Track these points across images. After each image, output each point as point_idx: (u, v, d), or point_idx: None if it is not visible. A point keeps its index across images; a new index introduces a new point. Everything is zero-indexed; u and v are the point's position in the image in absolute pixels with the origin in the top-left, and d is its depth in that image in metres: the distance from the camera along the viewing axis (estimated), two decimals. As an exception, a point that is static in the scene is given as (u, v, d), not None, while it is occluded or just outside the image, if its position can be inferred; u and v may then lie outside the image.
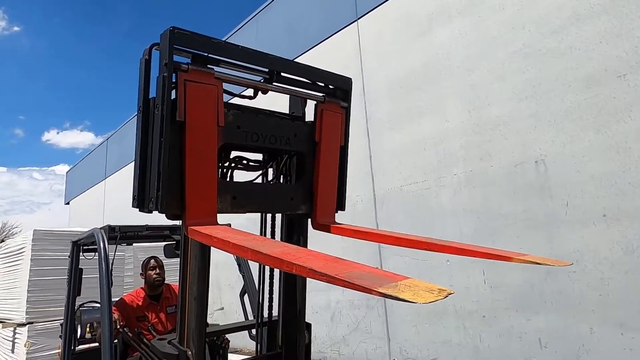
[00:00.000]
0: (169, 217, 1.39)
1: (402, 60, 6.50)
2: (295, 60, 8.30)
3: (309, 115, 1.78)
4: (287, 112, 1.80)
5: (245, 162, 1.69)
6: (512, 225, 5.00)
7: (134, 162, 1.44)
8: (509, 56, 5.23)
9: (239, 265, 3.21)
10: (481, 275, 5.19)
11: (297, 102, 1.78)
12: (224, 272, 9.06)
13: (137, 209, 1.40)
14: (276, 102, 1.82)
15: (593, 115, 4.48)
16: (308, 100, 1.75)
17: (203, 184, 1.36)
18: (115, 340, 2.67)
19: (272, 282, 1.83)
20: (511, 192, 5.05)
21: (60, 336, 3.16)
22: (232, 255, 3.22)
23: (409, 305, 5.87)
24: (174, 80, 1.33)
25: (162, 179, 1.31)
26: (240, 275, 3.16)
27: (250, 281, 3.04)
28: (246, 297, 3.04)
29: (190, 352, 1.47)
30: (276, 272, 1.83)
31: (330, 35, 7.81)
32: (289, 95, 1.77)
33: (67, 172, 21.86)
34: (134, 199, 1.40)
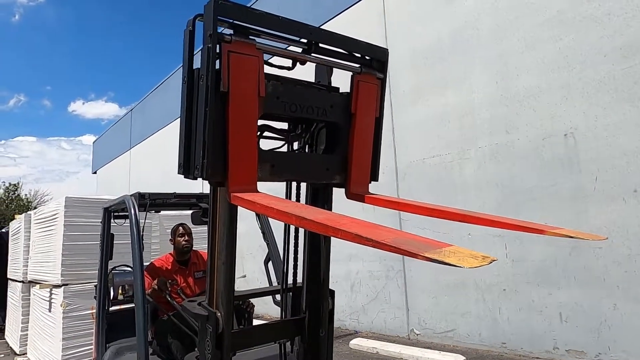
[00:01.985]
0: (211, 184, 1.44)
1: (427, 29, 6.30)
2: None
3: (336, 84, 1.77)
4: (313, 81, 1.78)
5: (270, 130, 1.70)
6: (537, 199, 4.92)
7: (179, 131, 1.47)
8: (541, 24, 5.01)
9: (263, 233, 3.27)
10: (503, 249, 5.16)
11: (323, 71, 1.77)
12: (245, 241, 9.26)
13: (183, 176, 1.44)
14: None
15: (629, 87, 4.29)
16: (342, 72, 1.73)
17: (245, 152, 1.40)
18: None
19: (297, 250, 1.85)
20: (538, 166, 4.94)
21: (95, 297, 3.33)
22: (256, 224, 3.29)
23: (428, 277, 5.92)
24: (217, 52, 1.34)
25: (207, 147, 1.34)
26: (262, 245, 3.23)
27: (274, 249, 3.11)
28: (270, 264, 3.12)
29: (219, 314, 1.53)
30: (300, 239, 1.86)
31: (354, 3, 7.60)
32: (314, 65, 1.74)
33: (93, 143, 22.44)
34: (179, 166, 1.43)
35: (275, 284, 2.84)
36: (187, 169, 1.41)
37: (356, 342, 5.96)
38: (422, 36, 6.36)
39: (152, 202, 2.93)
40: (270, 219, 3.20)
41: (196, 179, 1.41)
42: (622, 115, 4.32)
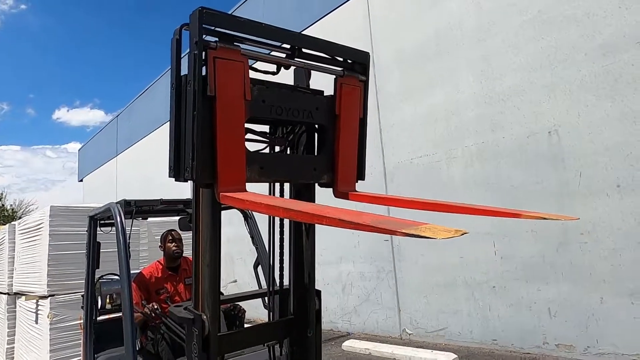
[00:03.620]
0: (201, 186, 1.50)
1: (412, 30, 6.35)
2: (303, 32, 8.14)
3: (315, 87, 1.82)
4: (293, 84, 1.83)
5: (252, 133, 1.75)
6: (523, 196, 4.98)
7: (168, 136, 1.51)
8: (523, 24, 5.08)
9: (252, 237, 3.26)
10: (492, 246, 5.22)
11: (302, 75, 1.81)
12: (235, 246, 9.20)
13: (174, 179, 1.48)
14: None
15: (609, 84, 4.37)
16: (326, 75, 1.79)
17: (233, 154, 1.46)
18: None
19: (283, 252, 1.91)
20: (523, 163, 5.01)
21: (82, 307, 3.27)
22: (245, 228, 3.27)
23: (418, 276, 5.95)
24: (204, 58, 1.41)
25: (196, 149, 1.39)
26: (252, 249, 3.22)
27: (263, 253, 3.09)
28: (259, 268, 3.10)
29: (205, 317, 1.54)
30: (286, 242, 1.91)
31: (339, 6, 7.63)
32: (293, 69, 1.80)
33: (79, 150, 22.10)
34: (170, 169, 1.47)
35: (265, 287, 2.83)
36: (177, 171, 1.46)
37: (349, 344, 5.96)
38: (408, 37, 6.41)
39: (138, 209, 2.90)
40: (257, 223, 3.19)
41: (186, 181, 1.45)
42: (604, 112, 4.40)
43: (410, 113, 6.30)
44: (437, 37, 6.01)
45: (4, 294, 6.80)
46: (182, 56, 1.47)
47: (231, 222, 9.10)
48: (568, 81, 4.67)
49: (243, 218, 3.32)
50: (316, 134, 1.79)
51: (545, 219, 1.28)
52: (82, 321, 3.30)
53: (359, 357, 5.60)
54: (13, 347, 6.37)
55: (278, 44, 1.60)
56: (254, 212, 3.26)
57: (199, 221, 1.58)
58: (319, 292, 1.88)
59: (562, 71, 4.72)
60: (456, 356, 4.96)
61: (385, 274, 6.46)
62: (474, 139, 5.51)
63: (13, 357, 6.34)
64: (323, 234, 7.45)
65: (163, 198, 3.04)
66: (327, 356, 5.72)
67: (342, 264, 7.05)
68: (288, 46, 1.62)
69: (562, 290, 4.64)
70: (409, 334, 6.09)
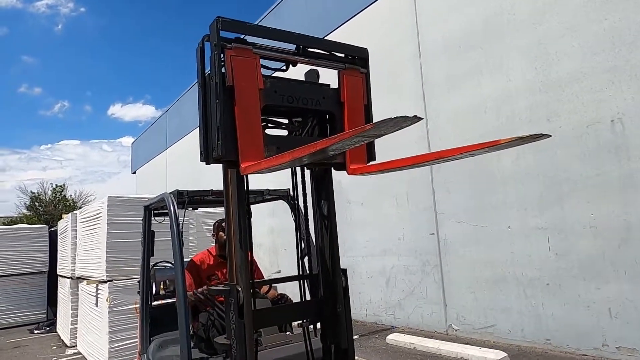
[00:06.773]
0: (227, 165, 1.74)
1: (460, 16, 6.11)
2: (348, 21, 8.07)
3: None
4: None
5: (273, 123, 2.04)
6: (582, 190, 4.69)
7: (198, 126, 1.77)
8: (583, 4, 4.75)
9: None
10: (545, 242, 4.96)
11: (312, 76, 2.04)
12: (280, 237, 9.36)
13: (205, 162, 1.72)
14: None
15: (683, 67, 4.00)
16: (330, 70, 2.02)
17: (251, 134, 1.70)
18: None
19: (309, 239, 2.23)
20: (582, 154, 4.70)
21: (138, 292, 3.44)
22: (288, 221, 3.30)
23: (465, 271, 5.78)
24: (222, 58, 1.70)
25: (220, 131, 1.66)
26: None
27: (308, 243, 3.11)
28: (305, 259, 3.12)
29: (239, 287, 1.75)
30: (312, 231, 2.14)
31: (383, -6, 7.47)
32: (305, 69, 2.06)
33: (132, 144, 23.22)
34: (201, 153, 1.73)
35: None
36: (207, 155, 1.72)
37: (393, 337, 5.90)
38: (455, 23, 6.18)
39: (190, 199, 2.99)
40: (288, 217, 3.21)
41: (215, 161, 1.70)
42: (675, 97, 4.04)
43: (458, 102, 6.08)
44: (487, 22, 5.74)
45: (68, 278, 7.31)
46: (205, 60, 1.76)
47: (275, 214, 9.26)
48: (634, 65, 4.32)
49: (290, 210, 3.36)
50: (328, 124, 2.04)
51: (521, 138, 1.34)
52: (138, 305, 3.47)
53: (403, 351, 5.54)
54: (76, 328, 6.84)
55: (286, 44, 1.86)
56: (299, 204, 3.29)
57: (229, 201, 1.81)
58: (344, 271, 2.08)
59: (628, 54, 4.37)
60: (506, 354, 4.79)
61: (431, 268, 6.33)
62: (527, 129, 5.24)
63: (76, 337, 6.82)
64: (368, 228, 7.40)
65: (213, 189, 3.12)
66: (372, 349, 5.70)
67: (386, 257, 6.98)
68: (294, 46, 1.90)
69: (624, 290, 4.34)
70: (455, 330, 5.95)
